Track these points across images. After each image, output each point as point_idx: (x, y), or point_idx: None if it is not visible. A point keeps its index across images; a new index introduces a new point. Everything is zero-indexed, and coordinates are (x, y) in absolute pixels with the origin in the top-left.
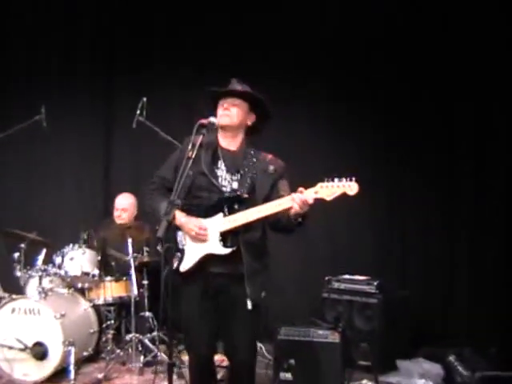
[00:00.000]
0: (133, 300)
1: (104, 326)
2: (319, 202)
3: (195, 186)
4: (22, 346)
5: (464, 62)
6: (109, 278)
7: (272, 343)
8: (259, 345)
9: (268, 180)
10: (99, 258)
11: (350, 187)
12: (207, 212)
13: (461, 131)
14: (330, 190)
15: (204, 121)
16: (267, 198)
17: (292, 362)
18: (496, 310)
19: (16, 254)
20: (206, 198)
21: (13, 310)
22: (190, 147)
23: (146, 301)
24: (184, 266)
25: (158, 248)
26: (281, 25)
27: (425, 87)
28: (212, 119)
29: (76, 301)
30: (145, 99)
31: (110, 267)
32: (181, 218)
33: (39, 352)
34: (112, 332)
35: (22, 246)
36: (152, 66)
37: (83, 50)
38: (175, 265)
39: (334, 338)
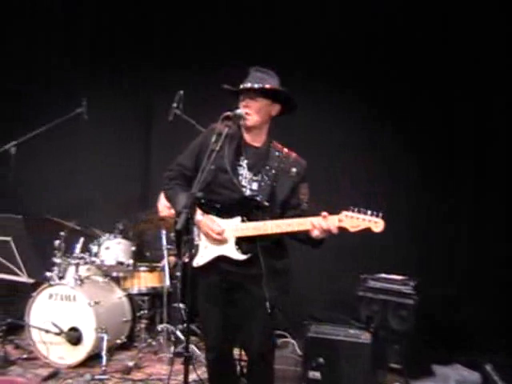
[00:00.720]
0: (165, 291)
1: (138, 315)
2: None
3: (215, 181)
4: (57, 331)
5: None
6: (143, 268)
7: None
8: (291, 341)
9: (289, 183)
10: (134, 248)
11: (376, 224)
12: (224, 212)
13: None
14: (354, 221)
15: (229, 113)
16: (286, 202)
17: (321, 360)
18: None
19: (57, 242)
20: (225, 196)
21: (50, 296)
22: (214, 139)
23: (178, 292)
24: (197, 262)
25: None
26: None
27: (425, 87)
28: (238, 111)
29: (111, 289)
30: (181, 92)
31: (144, 257)
32: (197, 215)
33: (74, 337)
34: (145, 321)
35: (62, 234)
36: (189, 59)
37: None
38: (188, 259)
39: (365, 338)
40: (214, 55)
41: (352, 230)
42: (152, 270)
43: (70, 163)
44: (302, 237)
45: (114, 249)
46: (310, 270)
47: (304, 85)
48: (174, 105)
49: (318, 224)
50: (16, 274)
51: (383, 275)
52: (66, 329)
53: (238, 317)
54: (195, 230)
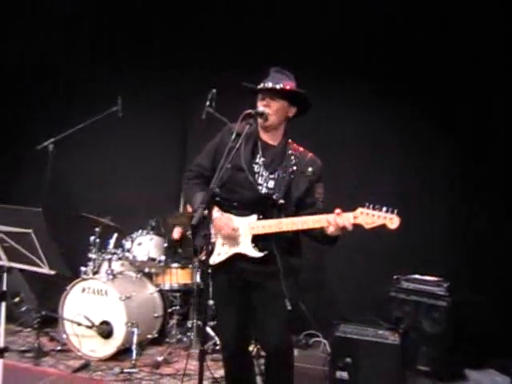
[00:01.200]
0: (195, 287)
1: (169, 311)
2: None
3: (232, 180)
4: (89, 324)
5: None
6: (175, 265)
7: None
8: (323, 341)
9: (304, 182)
10: (166, 244)
11: (392, 221)
12: (241, 209)
13: None
14: (370, 218)
15: (251, 111)
16: (301, 200)
17: (348, 360)
18: None
19: (92, 238)
20: (241, 194)
21: (83, 290)
22: (233, 136)
23: (210, 289)
24: (214, 260)
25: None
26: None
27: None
28: (261, 109)
29: (143, 285)
30: (214, 91)
31: (176, 254)
32: (214, 212)
33: (105, 330)
34: (177, 317)
35: (97, 230)
36: (222, 58)
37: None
38: (205, 256)
39: (393, 339)
40: (247, 55)
41: (367, 226)
42: (184, 266)
43: (106, 161)
44: (317, 234)
45: (147, 245)
46: (343, 271)
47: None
48: (207, 103)
49: (333, 221)
50: (38, 266)
51: (416, 276)
52: (97, 322)
53: (255, 314)
54: (212, 227)
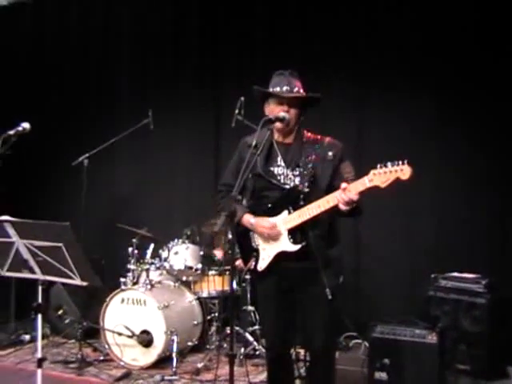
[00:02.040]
0: (232, 294)
1: (208, 318)
2: (375, 189)
3: (257, 187)
4: (129, 333)
5: None
6: (212, 272)
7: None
8: (364, 343)
9: (327, 168)
10: (202, 252)
11: (403, 171)
12: (273, 210)
13: None
14: (383, 176)
15: (271, 117)
16: (330, 186)
17: (386, 361)
18: None
19: (129, 249)
20: (269, 197)
21: (122, 300)
22: (254, 144)
23: (248, 295)
24: (261, 266)
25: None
26: None
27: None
28: (282, 114)
29: (181, 293)
30: (242, 99)
31: (213, 262)
32: (250, 219)
33: (145, 339)
34: (216, 324)
35: (134, 240)
36: (254, 66)
37: (189, 55)
38: (253, 264)
39: (431, 338)
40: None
41: (383, 185)
42: (221, 273)
43: (141, 173)
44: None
45: (183, 254)
46: (382, 271)
47: None
48: (236, 111)
49: (339, 196)
50: (70, 278)
51: (454, 274)
52: (137, 332)
53: (299, 316)
54: (254, 235)
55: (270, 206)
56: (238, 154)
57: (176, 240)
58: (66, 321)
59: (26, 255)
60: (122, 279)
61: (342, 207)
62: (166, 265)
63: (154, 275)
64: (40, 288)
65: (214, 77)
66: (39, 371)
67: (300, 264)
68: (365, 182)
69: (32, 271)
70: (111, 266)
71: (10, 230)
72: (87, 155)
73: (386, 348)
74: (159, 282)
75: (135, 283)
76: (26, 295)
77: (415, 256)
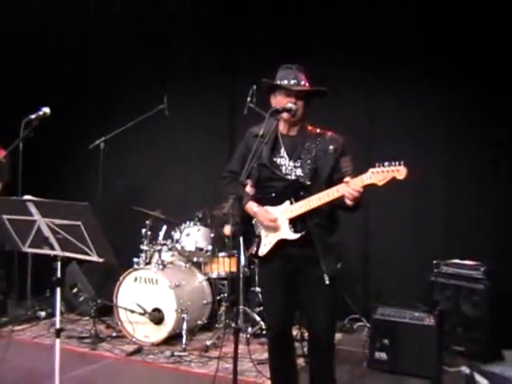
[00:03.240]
0: (241, 275)
1: (218, 298)
2: (371, 187)
3: (262, 177)
4: (141, 311)
5: None
6: (222, 254)
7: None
8: (368, 325)
9: (328, 161)
10: (213, 234)
11: (399, 171)
12: (276, 200)
13: None
14: (380, 175)
15: (279, 107)
16: (330, 179)
17: (386, 341)
18: None
19: (143, 230)
20: (273, 187)
21: (135, 279)
22: (260, 134)
23: (256, 277)
24: (262, 251)
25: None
26: None
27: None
28: (290, 105)
29: (192, 273)
30: (254, 87)
31: (223, 244)
32: (253, 207)
33: (156, 317)
34: (226, 304)
35: (148, 222)
36: (268, 54)
37: (207, 44)
38: (254, 249)
39: (429, 321)
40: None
41: (380, 183)
42: (231, 255)
43: (156, 157)
44: (341, 205)
45: (194, 235)
46: (390, 257)
47: None
48: (248, 99)
49: (341, 189)
50: (87, 254)
51: (456, 261)
52: (149, 309)
53: (302, 297)
54: (257, 222)
55: (273, 195)
56: (244, 143)
57: (188, 222)
58: (81, 298)
59: (47, 233)
60: (135, 259)
61: (349, 202)
62: (178, 246)
63: (167, 256)
64: (59, 264)
65: (230, 63)
66: (57, 341)
67: (301, 251)
68: (363, 180)
69: (52, 248)
70: (126, 247)
71: (33, 209)
72: (103, 139)
73: (386, 329)
74: (171, 263)
75: (148, 263)
76: (41, 273)
77: (422, 243)
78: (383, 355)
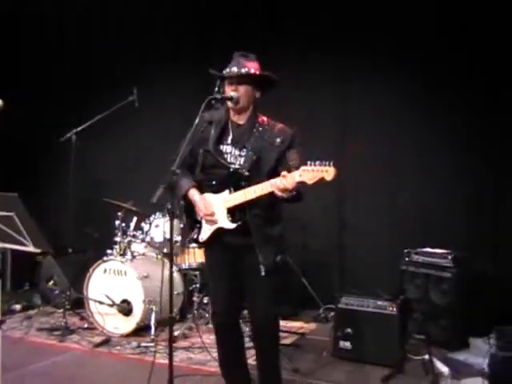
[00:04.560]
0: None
1: (190, 288)
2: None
3: (206, 163)
4: (110, 302)
5: None
6: (192, 245)
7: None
8: None
9: (273, 153)
10: (182, 225)
11: (328, 172)
12: (217, 188)
13: None
14: (311, 173)
15: (216, 96)
16: (273, 171)
17: (349, 330)
18: None
19: (116, 222)
20: (215, 174)
21: (104, 271)
22: (196, 121)
23: None
24: (202, 237)
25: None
26: None
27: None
28: (232, 94)
29: (162, 265)
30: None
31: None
32: (194, 195)
33: (125, 308)
34: (198, 295)
35: (120, 214)
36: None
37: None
38: (195, 235)
39: (391, 309)
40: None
41: (310, 182)
42: (201, 246)
43: (127, 150)
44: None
45: (163, 227)
46: (364, 246)
47: None
48: (215, 89)
49: (275, 184)
50: (23, 245)
51: (426, 249)
52: (118, 301)
53: (242, 285)
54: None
55: (214, 183)
56: (195, 126)
57: (157, 213)
58: (56, 291)
59: None
60: (109, 251)
61: (278, 193)
62: (148, 238)
63: (139, 247)
64: (0, 255)
65: (205, 54)
66: None
67: (238, 239)
68: (294, 177)
69: None
70: (103, 239)
71: None
72: (74, 131)
73: (349, 318)
74: (143, 254)
75: (122, 255)
76: (20, 269)
77: (396, 232)
78: (347, 344)
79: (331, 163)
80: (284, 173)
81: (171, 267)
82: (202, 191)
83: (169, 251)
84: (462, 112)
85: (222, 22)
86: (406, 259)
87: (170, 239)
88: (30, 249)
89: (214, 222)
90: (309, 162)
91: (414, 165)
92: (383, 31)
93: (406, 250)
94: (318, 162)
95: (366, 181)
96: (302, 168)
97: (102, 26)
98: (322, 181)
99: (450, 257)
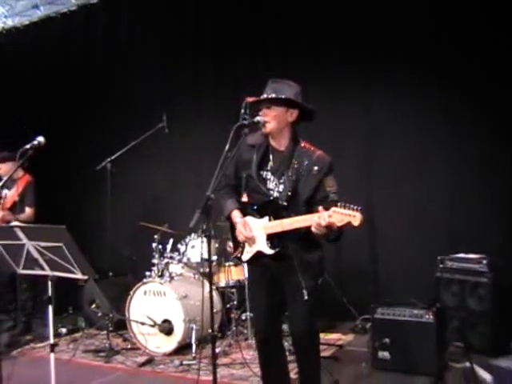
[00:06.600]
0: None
1: (228, 306)
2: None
3: (248, 187)
4: (151, 323)
5: None
6: (228, 263)
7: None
8: None
9: (311, 181)
10: (217, 245)
11: (355, 218)
12: (258, 212)
13: None
14: (340, 216)
15: (245, 121)
16: (310, 199)
17: (387, 340)
18: None
19: (153, 244)
20: (258, 199)
21: (145, 293)
22: (227, 147)
23: None
24: (244, 257)
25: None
26: None
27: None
28: (257, 118)
29: (200, 284)
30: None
31: (228, 254)
32: (236, 217)
33: (166, 328)
34: (236, 312)
35: (156, 237)
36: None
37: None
38: (239, 254)
39: (428, 317)
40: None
41: (338, 224)
42: (236, 264)
43: (162, 174)
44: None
45: (199, 247)
46: (396, 257)
47: None
48: (242, 111)
49: (310, 221)
50: (72, 272)
51: (460, 255)
52: (159, 321)
53: (282, 300)
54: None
55: (255, 207)
56: (237, 149)
57: (193, 234)
58: (99, 314)
59: (36, 254)
60: (147, 273)
61: (314, 230)
62: (184, 258)
63: (177, 268)
64: (49, 283)
65: (234, 74)
66: (52, 355)
67: (278, 263)
68: (325, 217)
69: (42, 268)
70: (142, 262)
71: (20, 234)
72: (109, 159)
73: (386, 328)
74: (181, 275)
75: (160, 276)
76: (64, 294)
77: (427, 240)
78: (386, 354)
79: (359, 208)
80: (320, 207)
81: (211, 286)
82: (246, 213)
83: (206, 271)
84: (492, 118)
85: (248, 45)
86: (441, 266)
87: (209, 259)
88: (79, 276)
89: (254, 245)
90: (339, 204)
91: (443, 171)
92: (413, 43)
93: (439, 257)
94: (347, 205)
95: (396, 190)
96: (333, 209)
97: (131, 55)
98: (349, 225)
99: (484, 261)
